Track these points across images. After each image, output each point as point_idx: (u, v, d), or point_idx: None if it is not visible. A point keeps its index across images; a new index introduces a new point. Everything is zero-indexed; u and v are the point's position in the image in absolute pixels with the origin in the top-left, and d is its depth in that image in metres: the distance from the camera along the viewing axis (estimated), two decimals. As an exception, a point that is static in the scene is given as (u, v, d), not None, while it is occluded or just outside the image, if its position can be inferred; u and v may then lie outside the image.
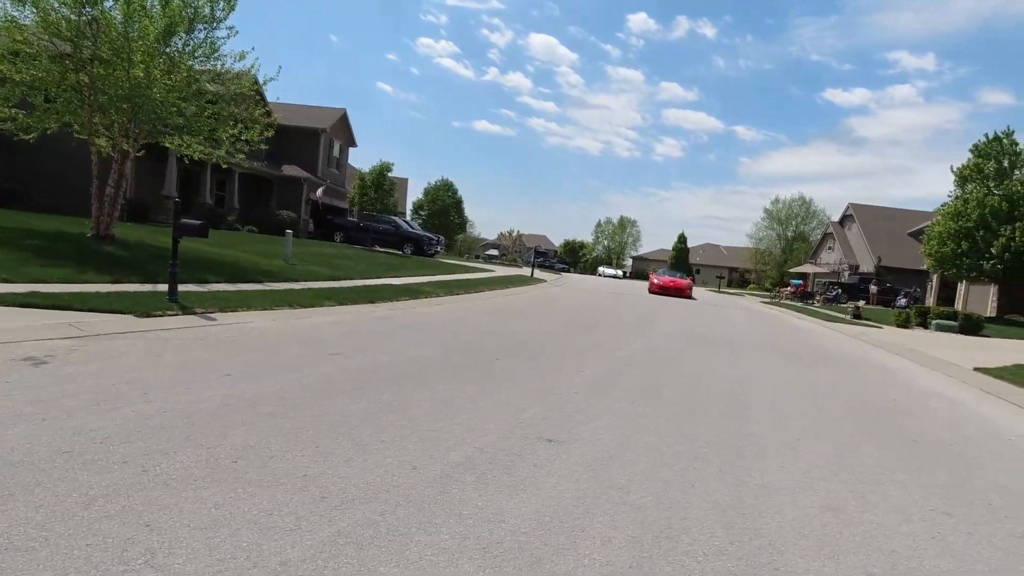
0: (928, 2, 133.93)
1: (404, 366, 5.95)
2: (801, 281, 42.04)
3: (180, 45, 11.81)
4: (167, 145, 13.03)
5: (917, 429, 5.81)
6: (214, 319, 7.17)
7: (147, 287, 8.45)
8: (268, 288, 10.34)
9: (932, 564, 2.89)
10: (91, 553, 2.15)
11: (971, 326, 18.82)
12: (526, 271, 31.13)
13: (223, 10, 11.92)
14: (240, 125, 12.75)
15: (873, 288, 33.35)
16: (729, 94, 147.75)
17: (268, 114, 13.85)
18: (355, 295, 10.94)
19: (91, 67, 11.07)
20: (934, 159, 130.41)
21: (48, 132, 11.58)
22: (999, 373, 9.55)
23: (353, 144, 38.11)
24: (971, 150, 25.91)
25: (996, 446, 5.53)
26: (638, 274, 61.24)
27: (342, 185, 35.65)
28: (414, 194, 59.58)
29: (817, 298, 34.92)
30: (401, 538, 2.52)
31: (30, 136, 11.35)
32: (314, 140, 32.42)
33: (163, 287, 7.83)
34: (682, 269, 45.13)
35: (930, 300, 31.77)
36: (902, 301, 30.15)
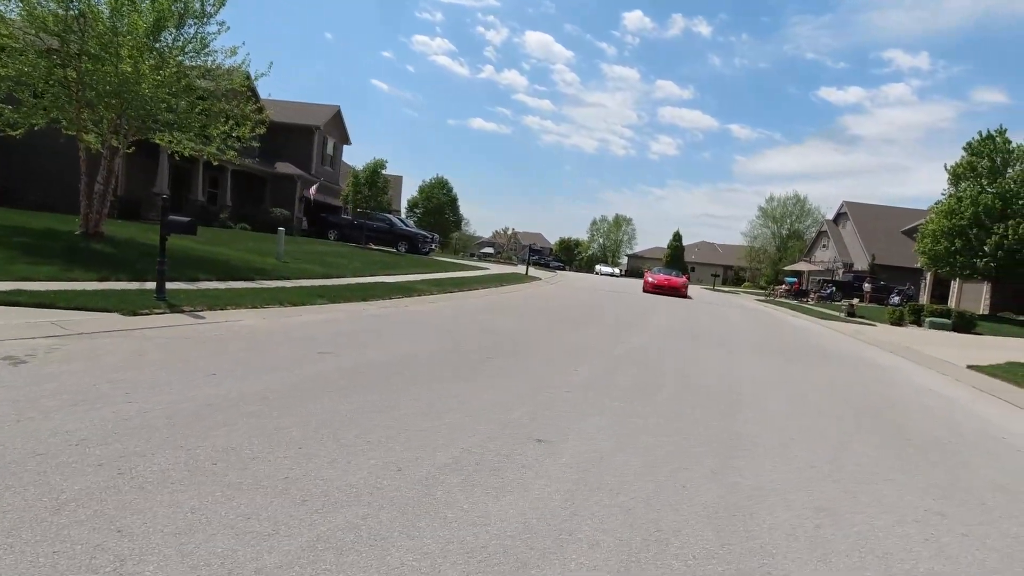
0: (922, 1, 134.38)
1: (394, 365, 5.87)
2: (796, 279, 42.09)
3: (170, 40, 11.69)
4: (158, 142, 12.89)
5: (911, 428, 5.77)
6: (203, 317, 7.07)
7: (135, 285, 8.34)
8: (260, 286, 10.24)
9: (926, 567, 2.84)
10: (57, 560, 2.07)
11: (964, 324, 18.86)
12: (521, 269, 31.07)
13: (214, 5, 11.80)
14: (231, 122, 12.63)
15: (867, 286, 33.42)
16: (724, 92, 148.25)
17: (260, 110, 13.72)
18: (348, 293, 10.85)
19: (78, 62, 10.93)
20: (928, 157, 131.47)
21: (36, 128, 11.44)
22: (993, 371, 9.54)
23: (347, 142, 37.94)
24: (965, 148, 25.98)
25: (990, 445, 5.50)
26: (634, 272, 61.24)
27: (336, 183, 35.49)
28: (409, 192, 59.42)
29: (811, 296, 35.03)
30: (382, 543, 2.45)
31: (17, 132, 11.20)
32: (308, 137, 32.26)
33: (152, 285, 7.73)
34: (677, 267, 45.15)
35: (924, 298, 31.85)
36: (896, 299, 30.23)
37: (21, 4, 10.50)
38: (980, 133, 25.66)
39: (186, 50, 11.89)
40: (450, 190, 57.59)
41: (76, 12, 10.83)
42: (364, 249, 25.70)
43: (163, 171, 21.44)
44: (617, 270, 61.33)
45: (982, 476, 4.42)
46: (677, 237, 67.75)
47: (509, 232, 77.42)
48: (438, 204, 55.63)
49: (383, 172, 30.12)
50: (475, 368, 6.17)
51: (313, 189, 29.30)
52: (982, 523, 3.46)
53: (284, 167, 30.17)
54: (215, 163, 15.02)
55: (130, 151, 12.58)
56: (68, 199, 17.12)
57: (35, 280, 7.60)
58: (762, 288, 49.32)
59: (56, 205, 18.01)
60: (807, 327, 17.43)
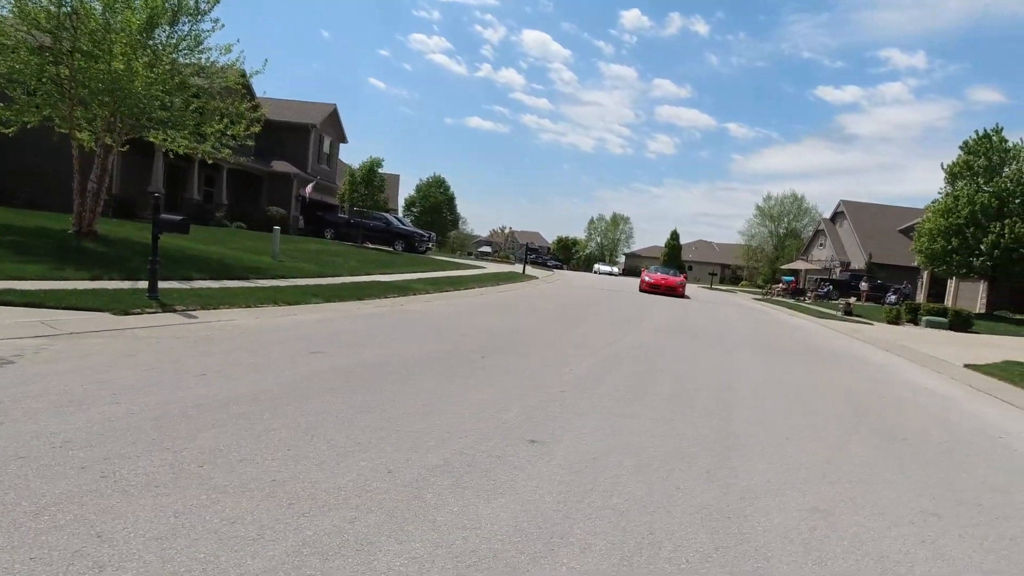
0: (919, 0, 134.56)
1: (387, 365, 5.82)
2: (793, 278, 42.08)
3: (163, 38, 11.60)
4: (152, 140, 12.80)
5: (907, 427, 5.74)
6: (195, 317, 7.01)
7: (127, 284, 8.27)
8: (254, 285, 10.18)
9: (923, 569, 2.80)
10: (34, 567, 2.02)
11: (961, 322, 18.86)
12: (518, 268, 31.00)
13: (208, 2, 11.70)
14: (226, 120, 12.54)
15: (864, 284, 33.44)
16: (722, 91, 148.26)
17: (255, 108, 13.64)
18: (343, 292, 10.80)
19: (71, 59, 10.84)
20: (925, 156, 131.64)
21: (28, 126, 11.35)
22: (989, 370, 9.53)
23: (344, 140, 37.82)
24: (961, 147, 25.97)
25: (987, 444, 5.47)
26: (632, 271, 61.17)
27: (332, 181, 35.35)
28: (406, 190, 59.24)
29: (809, 295, 35.05)
30: (369, 547, 2.40)
31: (9, 130, 11.12)
32: (304, 136, 32.14)
33: (144, 284, 7.67)
34: (675, 266, 45.03)
35: (920, 296, 31.87)
36: (892, 297, 30.25)
37: (12, 1, 10.42)
38: (976, 132, 25.68)
39: (180, 47, 11.80)
40: (447, 189, 57.52)
41: (68, 9, 10.74)
42: (360, 248, 25.63)
43: (158, 169, 21.33)
44: (616, 269, 61.24)
45: (979, 477, 4.39)
46: (675, 236, 67.73)
47: (506, 231, 77.40)
48: (435, 203, 55.54)
49: (380, 171, 29.94)
50: (470, 368, 6.12)
51: (309, 188, 29.21)
52: (979, 524, 3.42)
53: (280, 165, 30.05)
54: (210, 161, 14.98)
55: (124, 149, 12.49)
56: (61, 197, 16.99)
57: (25, 279, 7.53)
58: (759, 287, 49.32)
59: (49, 204, 17.88)
60: (804, 326, 17.42)
